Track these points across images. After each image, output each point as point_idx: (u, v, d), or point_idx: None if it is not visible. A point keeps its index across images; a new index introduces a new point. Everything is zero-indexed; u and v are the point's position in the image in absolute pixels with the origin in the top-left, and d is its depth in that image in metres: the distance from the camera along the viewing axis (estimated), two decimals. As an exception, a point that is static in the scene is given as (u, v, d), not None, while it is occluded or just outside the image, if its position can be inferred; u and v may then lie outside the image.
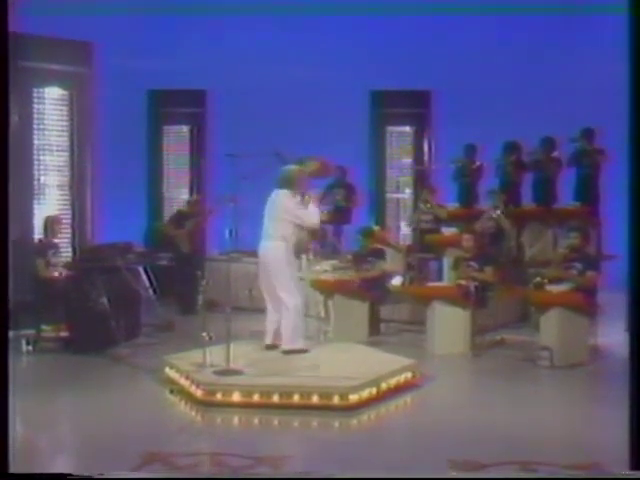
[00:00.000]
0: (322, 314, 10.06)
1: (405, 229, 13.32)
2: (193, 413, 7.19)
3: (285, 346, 8.24)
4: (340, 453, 6.13)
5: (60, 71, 10.73)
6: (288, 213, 8.21)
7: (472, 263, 9.67)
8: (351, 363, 7.95)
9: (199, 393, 7.29)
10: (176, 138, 13.81)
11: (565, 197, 11.64)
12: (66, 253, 10.55)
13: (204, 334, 7.71)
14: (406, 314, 10.62)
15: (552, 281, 8.89)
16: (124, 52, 12.50)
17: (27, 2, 8.94)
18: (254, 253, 10.06)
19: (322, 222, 9.27)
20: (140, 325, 10.02)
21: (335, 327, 9.90)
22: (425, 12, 13.25)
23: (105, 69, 11.33)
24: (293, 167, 8.39)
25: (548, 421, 6.90)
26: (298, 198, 8.32)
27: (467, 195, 12.19)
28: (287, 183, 8.31)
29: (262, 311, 9.73)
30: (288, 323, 8.23)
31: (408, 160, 13.94)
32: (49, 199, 10.74)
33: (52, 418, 7.07)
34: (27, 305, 9.64)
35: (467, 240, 9.85)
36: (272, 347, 8.38)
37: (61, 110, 10.85)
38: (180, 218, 12.22)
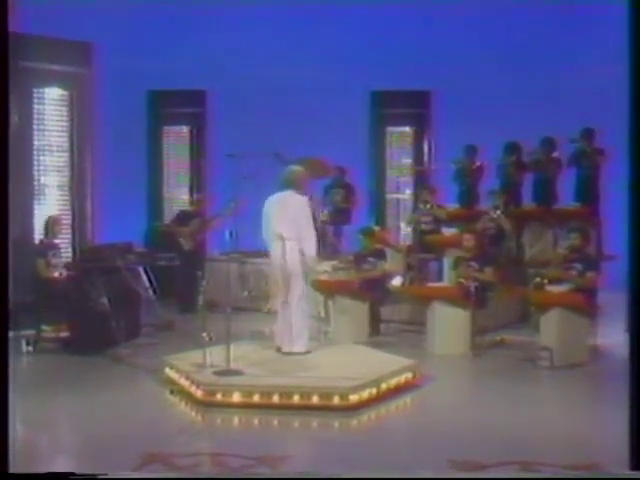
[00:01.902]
0: (322, 314, 10.06)
1: (405, 229, 13.32)
2: (193, 413, 7.19)
3: (290, 348, 8.23)
4: (340, 453, 6.12)
5: (60, 71, 10.74)
6: (302, 221, 8.20)
7: (472, 263, 9.67)
8: (351, 363, 7.95)
9: (199, 393, 7.29)
10: (176, 138, 13.82)
11: (565, 197, 11.64)
12: (66, 253, 10.55)
13: (204, 334, 7.72)
14: (406, 314, 10.62)
15: (552, 281, 8.89)
16: (124, 52, 12.49)
17: (27, 2, 8.95)
18: (254, 253, 10.10)
19: (322, 222, 9.31)
20: (140, 325, 10.02)
21: (335, 327, 9.89)
22: (425, 11, 13.26)
23: (105, 69, 11.34)
24: (295, 168, 8.38)
25: (548, 421, 6.90)
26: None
27: (467, 196, 12.19)
28: (290, 184, 8.29)
29: (262, 311, 9.78)
30: (294, 325, 8.21)
31: (408, 160, 13.95)
32: (49, 199, 10.76)
33: (52, 418, 7.07)
34: (27, 305, 9.65)
35: (468, 240, 9.85)
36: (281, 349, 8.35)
37: (61, 110, 10.87)
38: (184, 217, 12.22)
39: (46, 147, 10.73)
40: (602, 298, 9.76)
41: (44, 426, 6.81)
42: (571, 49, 13.27)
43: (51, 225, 10.01)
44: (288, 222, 8.18)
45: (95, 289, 9.24)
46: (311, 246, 8.28)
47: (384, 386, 7.48)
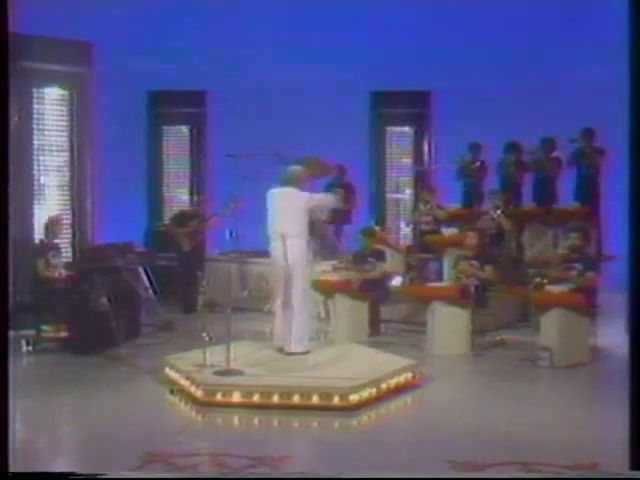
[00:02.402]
0: (322, 314, 10.06)
1: (405, 229, 13.33)
2: (193, 413, 7.19)
3: (289, 348, 8.22)
4: (340, 453, 6.12)
5: (60, 71, 10.74)
6: (312, 200, 8.28)
7: (474, 261, 9.67)
8: (351, 363, 7.96)
9: (199, 393, 7.29)
10: (176, 138, 13.81)
11: (565, 197, 11.64)
12: (66, 253, 10.55)
13: (204, 334, 7.72)
14: (406, 314, 10.61)
15: (552, 281, 8.89)
16: (124, 52, 12.49)
17: (27, 2, 8.93)
18: (254, 253, 10.10)
19: (322, 222, 9.30)
20: (140, 325, 10.02)
21: (335, 327, 9.89)
22: (426, 11, 13.26)
23: (105, 69, 11.33)
24: (296, 168, 8.37)
25: (548, 421, 6.89)
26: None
27: (469, 195, 12.19)
28: (291, 183, 8.28)
29: (261, 311, 9.77)
30: (295, 324, 8.19)
31: (408, 160, 13.95)
32: (49, 199, 10.75)
33: (52, 418, 7.07)
34: (27, 305, 9.66)
35: (471, 238, 9.86)
36: (283, 349, 8.33)
37: (61, 110, 10.86)
38: (183, 217, 12.23)
39: (46, 147, 10.72)
40: (602, 298, 9.77)
41: (44, 426, 6.81)
42: (571, 49, 13.26)
43: (51, 225, 10.01)
44: (291, 219, 8.17)
45: (95, 289, 9.24)
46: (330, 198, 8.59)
47: (384, 386, 7.48)
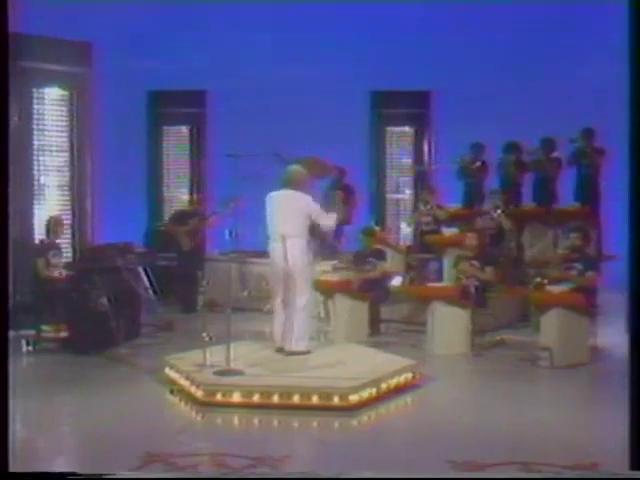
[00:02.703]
0: (322, 314, 10.06)
1: (405, 229, 13.33)
2: (193, 413, 7.19)
3: (289, 347, 8.21)
4: (340, 453, 6.12)
5: (60, 71, 10.74)
6: (313, 212, 8.19)
7: (474, 262, 9.67)
8: (351, 363, 7.95)
9: (199, 393, 7.29)
10: (176, 138, 13.82)
11: (565, 197, 11.65)
12: (66, 253, 10.55)
13: (204, 334, 7.72)
14: (406, 314, 10.62)
15: (552, 281, 8.89)
16: (124, 52, 12.50)
17: (27, 2, 8.94)
18: (254, 253, 10.10)
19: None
20: (140, 325, 10.02)
21: (335, 327, 9.89)
22: (426, 11, 13.26)
23: (105, 69, 11.34)
24: (296, 168, 8.36)
25: (548, 421, 6.89)
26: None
27: (470, 195, 12.19)
28: (291, 184, 8.27)
29: (261, 311, 9.77)
30: (296, 324, 8.18)
31: (408, 160, 13.95)
32: (49, 199, 10.75)
33: (52, 418, 7.07)
34: (27, 305, 9.66)
35: (471, 238, 9.86)
36: (282, 349, 8.31)
37: (61, 110, 10.86)
38: (183, 217, 12.23)
39: (46, 147, 10.72)
40: (602, 298, 9.77)
41: (44, 426, 6.80)
42: (571, 49, 13.26)
43: (52, 225, 10.01)
44: (291, 220, 8.16)
45: (95, 289, 9.24)
46: (331, 219, 8.31)
47: (384, 386, 7.48)
